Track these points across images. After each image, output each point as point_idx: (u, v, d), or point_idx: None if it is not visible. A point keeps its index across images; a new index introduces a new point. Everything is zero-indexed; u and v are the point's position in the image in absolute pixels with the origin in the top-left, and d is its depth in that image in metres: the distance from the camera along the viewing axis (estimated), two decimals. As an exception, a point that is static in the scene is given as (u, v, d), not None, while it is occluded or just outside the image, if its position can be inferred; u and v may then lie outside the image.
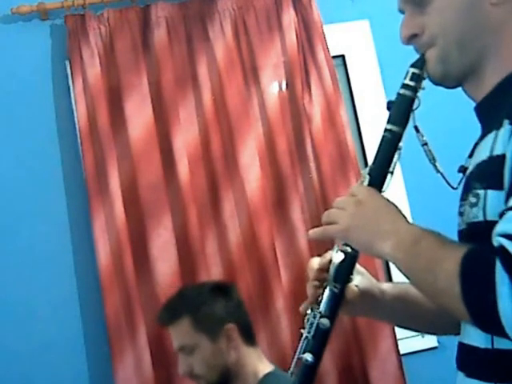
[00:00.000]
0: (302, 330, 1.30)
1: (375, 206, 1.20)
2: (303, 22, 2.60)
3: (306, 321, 1.30)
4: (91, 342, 2.39)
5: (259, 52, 2.55)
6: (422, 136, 1.28)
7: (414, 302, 1.31)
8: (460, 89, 1.25)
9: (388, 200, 1.21)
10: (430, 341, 2.58)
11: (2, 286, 2.36)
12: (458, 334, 1.24)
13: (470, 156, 1.23)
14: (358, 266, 1.33)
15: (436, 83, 1.24)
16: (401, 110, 1.26)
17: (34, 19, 2.52)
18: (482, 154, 1.13)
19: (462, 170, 1.25)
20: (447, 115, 2.60)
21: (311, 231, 1.29)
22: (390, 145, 1.27)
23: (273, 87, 2.57)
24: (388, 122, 1.27)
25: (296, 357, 1.30)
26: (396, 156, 1.26)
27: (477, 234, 1.11)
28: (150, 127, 2.44)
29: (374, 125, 2.64)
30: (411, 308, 1.33)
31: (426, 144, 1.28)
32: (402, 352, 2.47)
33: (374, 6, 2.74)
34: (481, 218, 1.10)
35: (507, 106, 1.11)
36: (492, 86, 1.18)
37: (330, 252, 1.31)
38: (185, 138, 2.45)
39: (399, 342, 2.47)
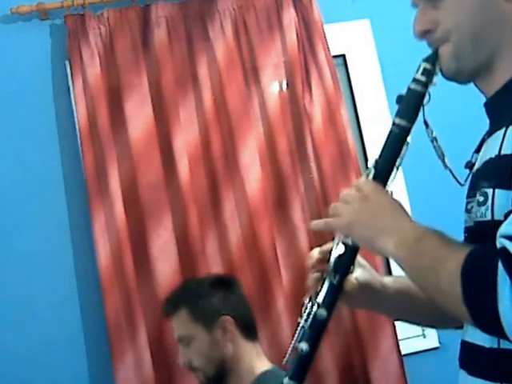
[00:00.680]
0: (299, 319, 1.30)
1: (379, 203, 1.19)
2: (304, 21, 2.59)
3: (303, 310, 1.30)
4: (91, 343, 2.39)
5: (259, 52, 2.55)
6: (432, 132, 1.27)
7: (415, 296, 1.30)
8: (467, 84, 1.24)
9: (392, 197, 1.21)
10: (431, 341, 2.58)
11: (2, 286, 2.36)
12: (460, 327, 1.23)
13: (477, 151, 1.22)
14: (359, 259, 1.33)
15: (449, 79, 1.23)
16: (410, 104, 1.24)
17: (34, 19, 2.52)
18: (491, 152, 1.12)
19: (469, 165, 1.24)
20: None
21: (314, 222, 1.30)
22: (397, 139, 1.26)
23: (273, 87, 2.57)
24: (396, 115, 1.26)
25: (291, 346, 1.30)
26: (403, 151, 1.25)
27: (484, 232, 1.10)
28: (150, 127, 2.43)
29: (375, 124, 2.64)
30: (412, 302, 1.33)
31: (435, 140, 1.27)
32: (403, 352, 2.46)
33: (374, 6, 2.73)
34: (489, 218, 1.09)
35: None
36: (504, 82, 1.17)
37: (330, 243, 1.31)
38: (185, 138, 2.45)
39: (400, 343, 2.46)
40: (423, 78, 1.22)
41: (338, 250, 1.28)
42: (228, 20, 2.55)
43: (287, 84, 2.58)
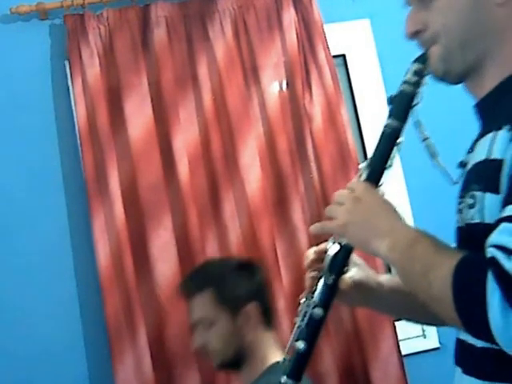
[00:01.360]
0: (296, 319, 1.32)
1: (372, 204, 1.21)
2: (303, 21, 2.59)
3: (299, 309, 1.32)
4: (91, 343, 2.39)
5: (259, 51, 2.54)
6: (423, 131, 1.28)
7: (410, 295, 1.29)
8: (456, 85, 1.25)
9: (385, 198, 1.22)
10: (431, 342, 2.58)
11: (1, 287, 2.35)
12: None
13: (470, 152, 1.22)
14: (355, 257, 1.35)
15: (438, 79, 1.24)
16: (401, 105, 1.27)
17: (33, 19, 2.51)
18: (481, 154, 1.13)
19: (462, 165, 1.24)
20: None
21: (312, 226, 1.31)
22: (388, 139, 1.27)
23: (273, 87, 2.56)
24: (388, 116, 1.28)
25: (288, 344, 1.32)
26: (395, 151, 1.26)
27: (474, 235, 1.12)
28: (150, 127, 2.43)
29: (375, 124, 2.62)
30: (408, 300, 1.32)
31: (426, 139, 1.28)
32: (403, 353, 2.46)
33: (374, 5, 2.73)
34: (478, 220, 1.11)
35: (507, 108, 1.11)
36: (493, 85, 1.18)
37: (326, 242, 1.32)
38: (185, 138, 2.44)
39: (401, 343, 2.46)
40: (414, 78, 1.24)
41: (333, 249, 1.30)
42: (228, 20, 2.54)
43: (287, 84, 2.57)
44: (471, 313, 1.00)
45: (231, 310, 1.96)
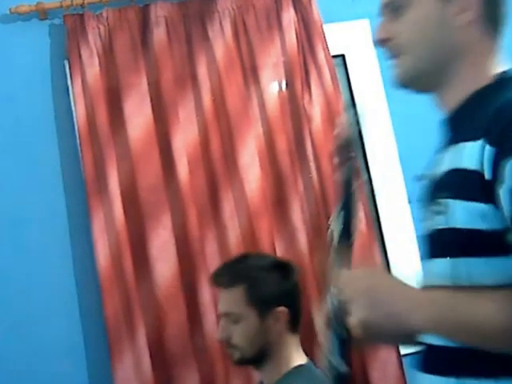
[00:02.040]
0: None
1: (383, 289, 1.20)
2: (303, 21, 2.59)
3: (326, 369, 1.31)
4: (91, 343, 2.39)
5: (259, 51, 2.55)
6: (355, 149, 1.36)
7: None
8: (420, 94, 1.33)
9: (388, 274, 1.28)
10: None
11: (1, 287, 2.35)
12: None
13: (431, 166, 1.28)
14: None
15: (402, 87, 1.30)
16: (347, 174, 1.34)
17: (33, 19, 2.51)
18: (452, 163, 1.17)
19: (422, 177, 1.30)
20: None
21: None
22: (347, 196, 1.34)
23: (272, 87, 2.56)
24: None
25: None
26: (354, 197, 1.33)
27: (443, 240, 1.17)
28: (150, 127, 2.43)
29: (374, 124, 2.63)
30: None
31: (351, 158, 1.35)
32: (402, 353, 2.46)
33: (373, 5, 2.68)
34: (447, 226, 1.15)
35: (478, 121, 1.14)
36: (459, 100, 1.24)
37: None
38: (184, 138, 2.45)
39: (400, 343, 2.46)
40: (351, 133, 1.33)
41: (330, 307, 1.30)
42: (227, 20, 2.54)
43: (286, 84, 2.58)
44: None
45: (260, 310, 1.94)
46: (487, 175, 1.09)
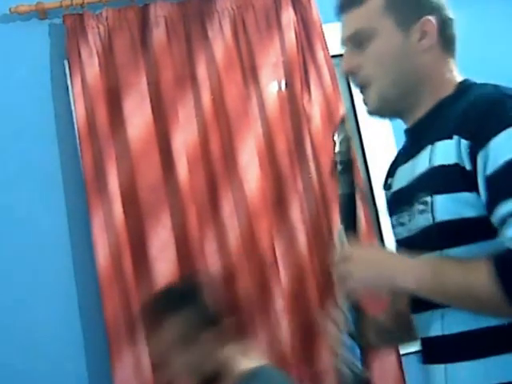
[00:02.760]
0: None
1: (378, 252, 1.36)
2: (302, 21, 2.59)
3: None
4: (90, 342, 2.39)
5: (258, 51, 2.55)
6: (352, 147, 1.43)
7: None
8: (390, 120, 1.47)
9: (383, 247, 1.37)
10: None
11: (1, 287, 2.35)
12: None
13: (392, 175, 1.41)
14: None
15: (374, 116, 1.38)
16: (345, 160, 1.40)
17: (33, 18, 2.52)
18: (420, 167, 1.28)
19: (389, 187, 1.43)
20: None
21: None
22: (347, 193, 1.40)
23: (272, 86, 2.57)
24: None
25: None
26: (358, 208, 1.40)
27: (428, 237, 1.25)
28: (149, 127, 2.43)
29: (373, 124, 2.63)
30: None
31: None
32: (401, 352, 2.46)
33: (373, 5, 2.73)
34: (435, 221, 1.23)
35: (447, 122, 1.24)
36: (423, 113, 1.34)
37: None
38: (184, 138, 2.45)
39: (399, 342, 2.47)
40: (344, 149, 1.39)
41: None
42: (227, 20, 2.55)
43: (286, 84, 2.58)
44: None
45: (210, 326, 1.87)
46: (468, 166, 1.18)
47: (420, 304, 1.30)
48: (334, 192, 2.42)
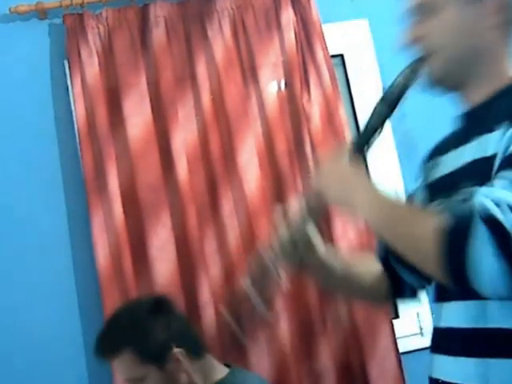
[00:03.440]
0: None
1: (353, 171, 1.35)
2: (302, 21, 2.60)
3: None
4: (90, 342, 2.38)
5: (258, 51, 2.55)
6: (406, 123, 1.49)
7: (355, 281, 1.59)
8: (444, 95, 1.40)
9: (366, 173, 1.36)
10: (429, 339, 2.58)
11: (1, 287, 2.35)
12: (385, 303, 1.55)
13: (444, 153, 1.38)
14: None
15: (429, 87, 1.37)
16: (393, 94, 1.37)
17: (33, 18, 2.52)
18: (473, 155, 1.26)
19: (433, 164, 1.41)
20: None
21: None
22: (374, 122, 1.42)
23: (272, 87, 2.57)
24: (380, 101, 1.40)
25: None
26: (378, 133, 1.42)
27: None
28: (149, 127, 2.43)
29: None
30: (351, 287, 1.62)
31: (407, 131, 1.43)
32: (401, 350, 2.47)
33: (373, 5, 2.74)
34: None
35: (501, 113, 1.22)
36: (483, 98, 1.32)
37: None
38: (184, 138, 2.45)
39: (398, 341, 2.47)
40: (409, 74, 1.36)
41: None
42: (226, 20, 2.55)
43: (285, 84, 2.58)
44: (455, 258, 1.08)
45: (157, 362, 1.81)
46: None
47: (444, 293, 1.32)
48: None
